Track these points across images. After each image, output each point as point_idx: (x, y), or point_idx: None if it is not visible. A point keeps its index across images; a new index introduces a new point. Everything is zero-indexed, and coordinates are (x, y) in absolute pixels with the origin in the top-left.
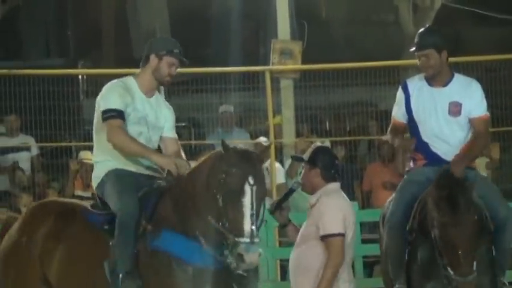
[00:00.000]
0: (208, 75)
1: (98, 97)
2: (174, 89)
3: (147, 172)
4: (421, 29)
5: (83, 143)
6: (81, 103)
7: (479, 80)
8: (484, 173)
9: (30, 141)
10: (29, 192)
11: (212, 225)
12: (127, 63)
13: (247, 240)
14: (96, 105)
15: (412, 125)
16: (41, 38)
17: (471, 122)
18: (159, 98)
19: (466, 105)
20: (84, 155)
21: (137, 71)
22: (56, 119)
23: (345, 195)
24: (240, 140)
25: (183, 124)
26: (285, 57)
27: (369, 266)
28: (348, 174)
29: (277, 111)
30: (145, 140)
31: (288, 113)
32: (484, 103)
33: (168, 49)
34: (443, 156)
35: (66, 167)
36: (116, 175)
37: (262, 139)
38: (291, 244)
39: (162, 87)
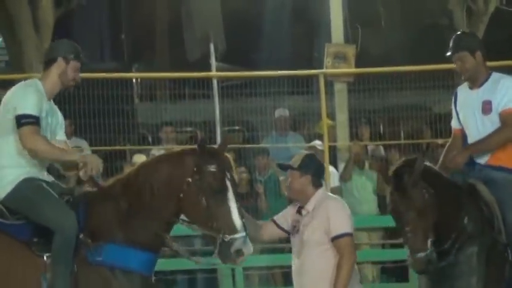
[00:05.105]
0: (261, 79)
1: (9, 96)
2: (227, 93)
3: (52, 178)
4: (455, 34)
5: (137, 147)
6: (135, 106)
7: None
8: None
9: (83, 144)
10: None
11: (195, 229)
12: (181, 67)
13: (243, 234)
14: (4, 106)
15: (463, 132)
16: (95, 42)
17: (498, 117)
18: (51, 101)
19: (495, 101)
20: (139, 158)
21: (191, 75)
22: (110, 123)
23: None
24: (294, 144)
25: (237, 128)
26: (338, 61)
27: None
28: None
29: (332, 114)
30: None
31: (342, 116)
32: (508, 96)
33: (76, 53)
34: (478, 159)
35: (121, 170)
36: (35, 186)
37: (317, 143)
38: None
39: None
